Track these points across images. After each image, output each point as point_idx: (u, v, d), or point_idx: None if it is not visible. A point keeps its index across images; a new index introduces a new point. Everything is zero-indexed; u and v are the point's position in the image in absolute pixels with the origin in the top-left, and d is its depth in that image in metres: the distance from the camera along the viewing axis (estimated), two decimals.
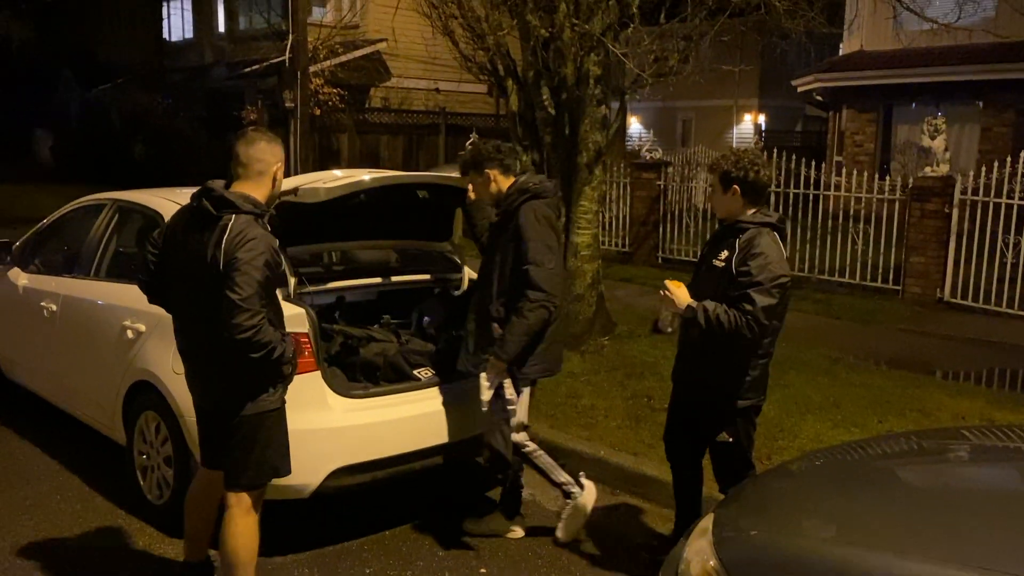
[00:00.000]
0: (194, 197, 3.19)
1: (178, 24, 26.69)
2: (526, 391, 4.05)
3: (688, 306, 3.54)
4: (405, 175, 4.34)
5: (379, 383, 4.28)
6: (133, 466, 4.46)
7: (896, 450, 3.26)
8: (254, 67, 20.49)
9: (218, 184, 3.18)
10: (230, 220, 3.09)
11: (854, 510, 2.57)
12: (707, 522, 2.74)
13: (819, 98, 17.88)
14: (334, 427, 3.99)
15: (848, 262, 10.13)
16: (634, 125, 30.39)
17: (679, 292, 3.60)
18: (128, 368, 4.39)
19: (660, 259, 11.97)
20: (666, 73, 7.02)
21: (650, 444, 5.27)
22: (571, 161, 6.97)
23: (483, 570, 4.04)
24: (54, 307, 5.13)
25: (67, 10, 28.87)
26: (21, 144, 26.13)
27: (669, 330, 3.85)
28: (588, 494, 4.21)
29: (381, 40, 20.46)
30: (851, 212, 10.33)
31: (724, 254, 3.57)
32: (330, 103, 19.02)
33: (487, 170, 3.97)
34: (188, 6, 26.09)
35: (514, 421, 4.00)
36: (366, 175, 4.18)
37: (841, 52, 18.60)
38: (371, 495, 4.39)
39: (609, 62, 6.72)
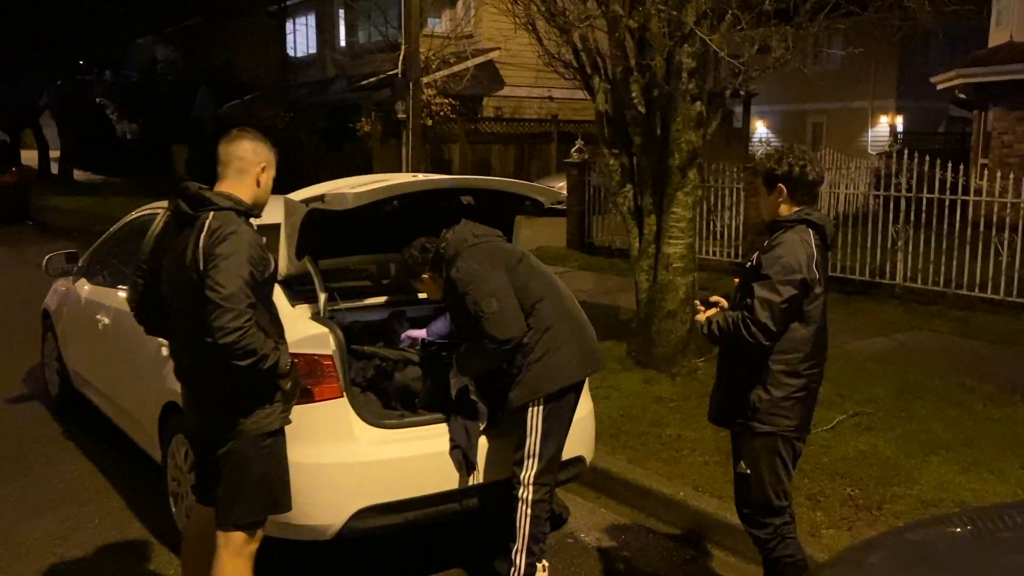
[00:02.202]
0: (170, 200, 2.89)
1: (302, 40, 27.47)
2: (533, 412, 3.52)
3: (701, 323, 3.27)
4: (444, 179, 3.88)
5: (417, 412, 3.83)
6: (167, 491, 4.19)
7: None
8: (370, 79, 20.73)
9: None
10: (208, 217, 2.83)
11: None
12: None
13: (962, 96, 16.33)
14: (361, 461, 3.57)
15: (991, 275, 8.99)
16: (760, 128, 29.15)
17: (702, 313, 3.31)
18: (162, 388, 4.13)
19: None
20: (771, 66, 6.29)
21: None
22: (662, 164, 6.36)
23: None
24: (107, 320, 4.97)
25: (206, 32, 30.35)
26: (161, 157, 27.51)
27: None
28: None
29: (494, 49, 20.28)
30: (995, 220, 9.17)
31: (755, 255, 3.23)
32: (441, 113, 18.96)
33: (423, 275, 3.79)
34: (312, 22, 26.80)
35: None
36: (400, 179, 3.76)
37: (988, 45, 17.00)
38: (405, 537, 3.95)
39: (706, 55, 6.06)
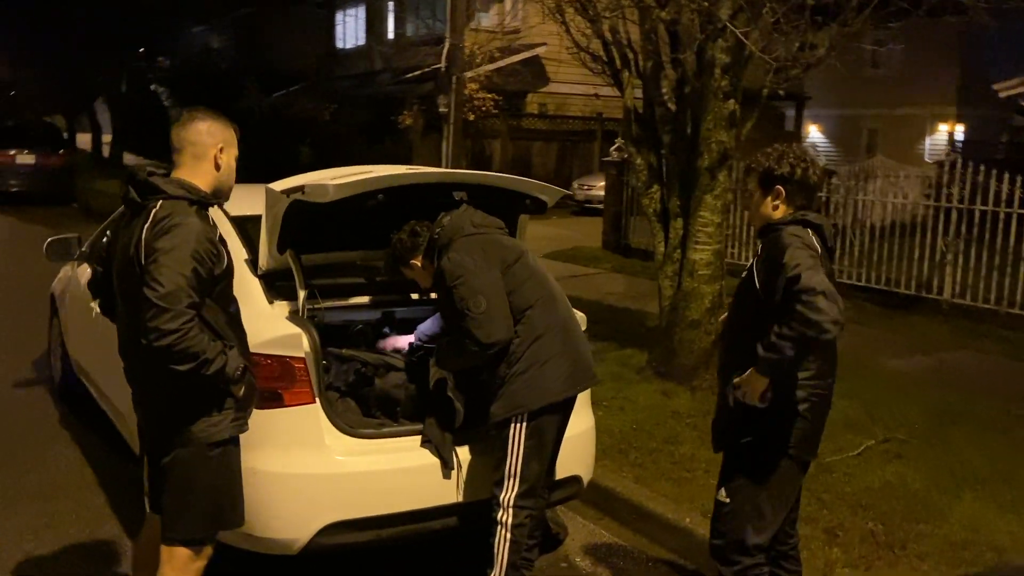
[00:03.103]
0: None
1: (351, 32, 27.47)
2: (515, 428, 3.23)
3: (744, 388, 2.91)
4: (432, 172, 3.62)
5: (398, 421, 3.58)
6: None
7: None
8: (415, 72, 20.58)
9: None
10: (155, 206, 2.60)
11: None
12: None
13: None
14: (331, 472, 3.32)
15: None
16: (813, 133, 28.41)
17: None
18: None
19: None
20: (811, 65, 5.91)
21: None
22: (691, 165, 6.02)
23: None
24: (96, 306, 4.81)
25: (258, 21, 30.62)
26: None
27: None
28: None
29: (540, 45, 19.97)
30: None
31: (750, 265, 2.98)
32: (484, 108, 18.74)
33: (412, 261, 3.51)
34: (361, 14, 26.79)
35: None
36: (383, 171, 3.50)
37: None
38: (377, 556, 3.70)
39: (741, 51, 5.70)
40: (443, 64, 17.90)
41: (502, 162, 19.19)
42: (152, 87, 35.04)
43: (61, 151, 18.38)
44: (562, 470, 3.85)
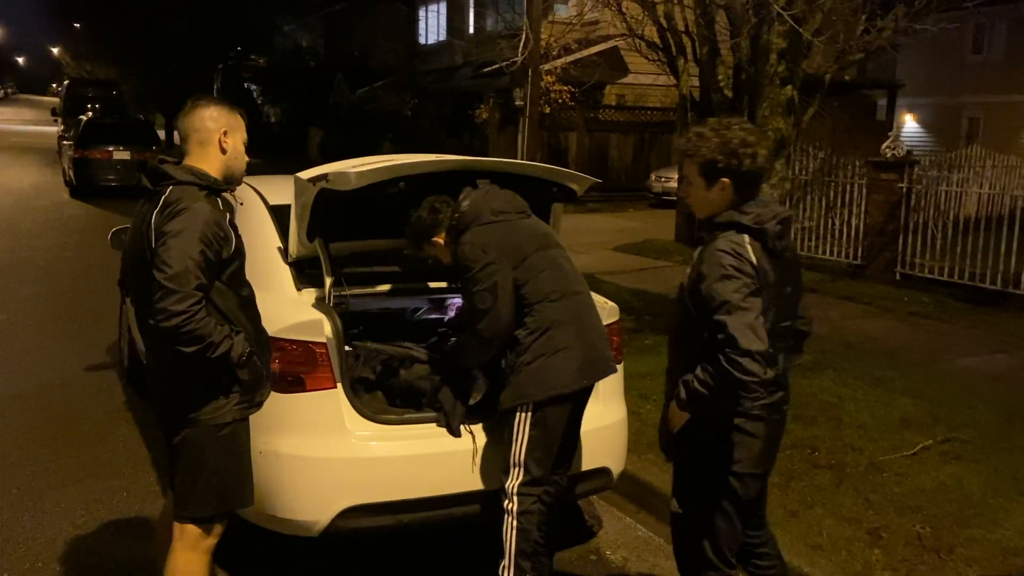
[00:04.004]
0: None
1: (433, 27, 27.76)
2: (520, 418, 3.22)
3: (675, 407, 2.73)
4: (454, 160, 3.59)
5: (422, 411, 3.59)
6: None
7: None
8: (494, 66, 20.66)
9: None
10: (165, 192, 2.67)
11: None
12: None
13: None
14: (352, 457, 3.37)
15: None
16: (908, 123, 27.25)
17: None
18: None
19: (899, 275, 10.18)
20: (874, 49, 5.68)
21: (793, 511, 4.15)
22: None
23: None
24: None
25: (345, 19, 31.26)
26: (300, 140, 28.56)
27: None
28: None
29: (619, 36, 19.75)
30: None
31: (688, 269, 2.74)
32: (560, 101, 18.65)
33: (435, 239, 3.47)
34: (442, 10, 27.03)
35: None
36: (405, 159, 3.51)
37: None
38: (396, 542, 3.73)
39: (798, 35, 5.51)
40: (519, 57, 17.93)
41: (578, 155, 19.10)
42: (245, 85, 36.23)
43: (155, 147, 19.16)
44: (591, 462, 3.81)
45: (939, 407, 5.44)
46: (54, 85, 69.63)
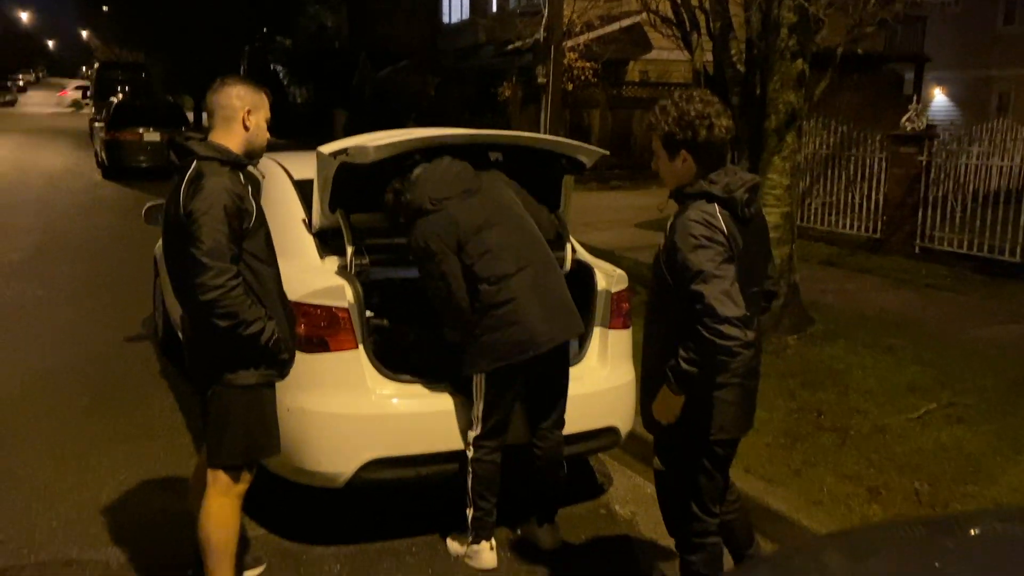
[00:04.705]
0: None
1: (456, 6, 27.79)
2: (476, 381, 3.53)
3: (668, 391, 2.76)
4: (467, 133, 3.75)
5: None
6: None
7: None
8: (515, 44, 20.71)
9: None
10: (191, 167, 2.87)
11: None
12: None
13: None
14: (371, 413, 3.60)
15: None
16: (937, 97, 26.91)
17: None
18: None
19: (918, 248, 10.22)
20: (886, 21, 5.76)
21: (796, 470, 4.32)
22: (759, 127, 5.97)
23: None
24: None
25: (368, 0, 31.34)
26: (325, 121, 28.78)
27: None
28: (483, 559, 3.58)
29: (641, 11, 19.71)
30: None
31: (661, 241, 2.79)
32: (583, 78, 18.70)
33: (402, 220, 3.65)
34: None
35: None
36: (420, 133, 3.70)
37: None
38: (438, 490, 3.95)
39: (806, 9, 5.60)
40: (541, 34, 17.97)
41: (601, 131, 19.16)
42: (271, 66, 36.51)
43: (184, 128, 19.49)
44: (599, 421, 4.02)
45: (946, 374, 5.57)
46: (84, 68, 70.59)
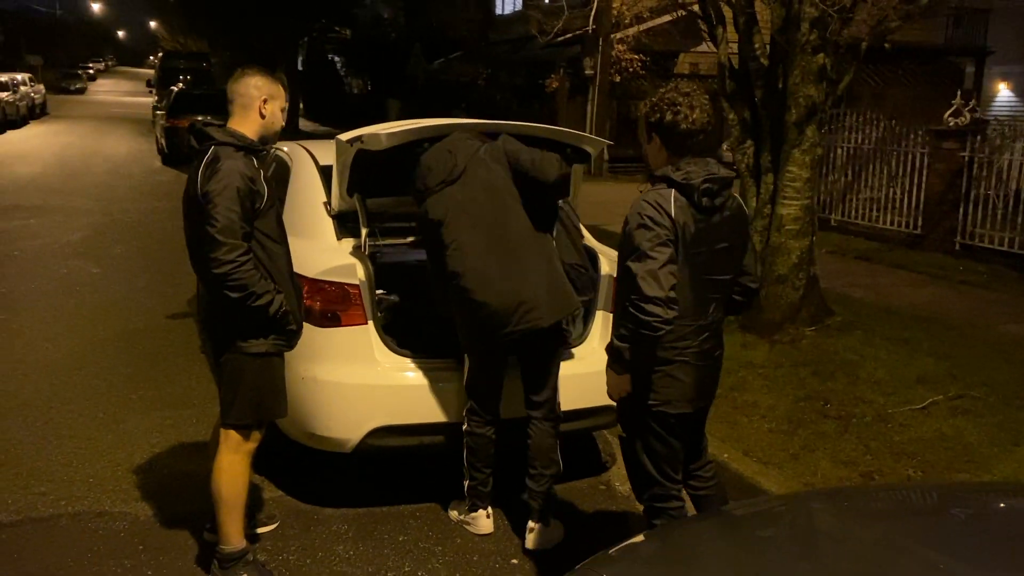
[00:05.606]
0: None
1: None
2: (464, 360, 3.77)
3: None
4: (477, 123, 3.94)
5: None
6: None
7: None
8: (563, 36, 20.79)
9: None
10: (208, 152, 3.11)
11: None
12: None
13: None
14: (379, 384, 3.84)
15: None
16: (1003, 91, 26.20)
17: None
18: None
19: (958, 245, 10.12)
20: (913, 15, 5.79)
21: (794, 455, 4.45)
22: (780, 120, 6.06)
23: (514, 561, 3.65)
24: None
25: None
26: (380, 111, 29.21)
27: None
28: (479, 525, 3.81)
29: (692, 3, 19.63)
30: None
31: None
32: (631, 70, 18.73)
33: None
34: None
35: None
36: (431, 122, 3.90)
37: None
38: (443, 460, 4.17)
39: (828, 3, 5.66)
40: (590, 26, 18.04)
41: None
42: (329, 56, 37.14)
43: None
44: (599, 399, 4.16)
45: (960, 367, 5.59)
46: (151, 58, 72.53)
